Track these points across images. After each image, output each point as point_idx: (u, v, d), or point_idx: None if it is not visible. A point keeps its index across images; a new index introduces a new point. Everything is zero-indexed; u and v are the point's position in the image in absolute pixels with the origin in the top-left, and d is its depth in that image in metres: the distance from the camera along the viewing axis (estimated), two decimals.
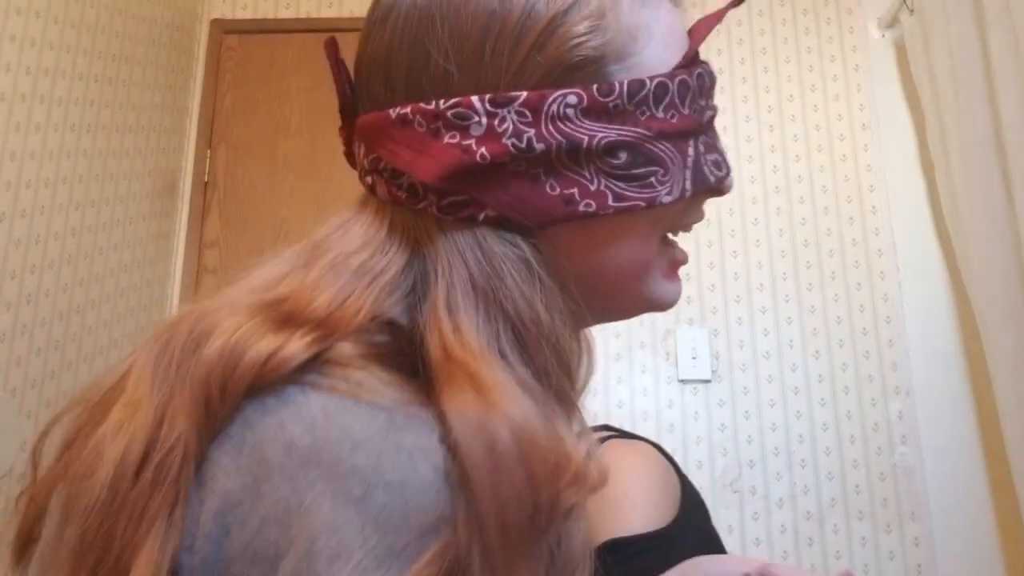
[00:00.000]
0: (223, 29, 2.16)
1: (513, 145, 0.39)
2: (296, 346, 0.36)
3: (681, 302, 2.01)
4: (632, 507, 0.79)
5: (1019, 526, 1.67)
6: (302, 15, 2.17)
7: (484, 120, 0.39)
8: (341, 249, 0.41)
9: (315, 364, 0.36)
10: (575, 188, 0.40)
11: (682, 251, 0.47)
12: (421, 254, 0.40)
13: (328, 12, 2.18)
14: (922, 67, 1.86)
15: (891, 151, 2.00)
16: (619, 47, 0.41)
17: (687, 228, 0.46)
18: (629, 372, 1.87)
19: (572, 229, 0.41)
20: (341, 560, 0.31)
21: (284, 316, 0.37)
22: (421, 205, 0.40)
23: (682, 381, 1.88)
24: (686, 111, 0.42)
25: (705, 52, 2.11)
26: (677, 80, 0.41)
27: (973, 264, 1.66)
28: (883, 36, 2.08)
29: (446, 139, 0.39)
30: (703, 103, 0.43)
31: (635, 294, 0.45)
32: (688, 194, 0.42)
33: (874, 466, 1.80)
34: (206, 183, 2.04)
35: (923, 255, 1.93)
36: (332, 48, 0.44)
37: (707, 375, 1.87)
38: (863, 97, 2.05)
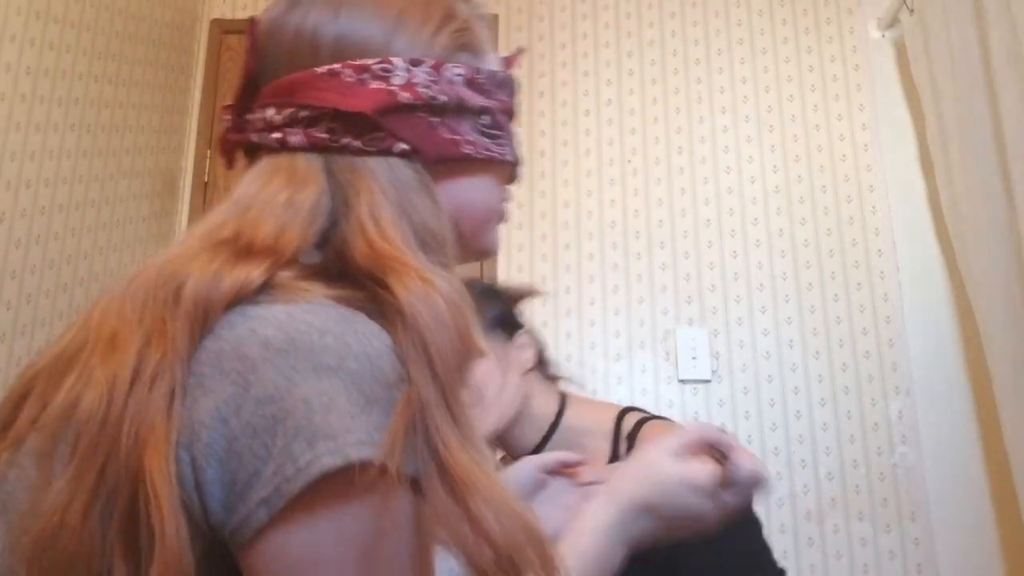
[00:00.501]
0: (223, 29, 2.16)
1: (424, 93, 0.52)
2: (257, 272, 0.45)
3: (681, 302, 2.02)
4: None
5: (1019, 526, 1.67)
6: None
7: (404, 74, 0.52)
8: (268, 192, 0.50)
9: (264, 288, 0.45)
10: (460, 136, 0.54)
11: (505, 212, 0.62)
12: (338, 182, 0.50)
13: None
14: (922, 67, 1.86)
15: (891, 151, 2.00)
16: (479, 47, 0.57)
17: (506, 196, 0.61)
18: (629, 372, 1.87)
19: (453, 168, 0.54)
20: (333, 411, 0.39)
21: (241, 250, 0.46)
22: (343, 141, 0.51)
23: (682, 381, 1.88)
24: (512, 100, 0.59)
25: (705, 52, 2.11)
26: (511, 77, 0.58)
27: (973, 264, 1.66)
28: (883, 36, 2.08)
29: (373, 85, 0.51)
30: (514, 100, 0.60)
31: (482, 236, 0.59)
32: (517, 160, 0.59)
33: (874, 466, 1.80)
34: (206, 183, 2.05)
35: (923, 255, 1.93)
36: (252, 28, 0.55)
37: (707, 375, 1.87)
38: (863, 97, 2.05)
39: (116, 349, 0.43)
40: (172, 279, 0.44)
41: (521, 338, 1.00)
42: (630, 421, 0.95)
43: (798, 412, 1.85)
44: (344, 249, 0.47)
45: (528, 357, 1.00)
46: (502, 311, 1.01)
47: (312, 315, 0.43)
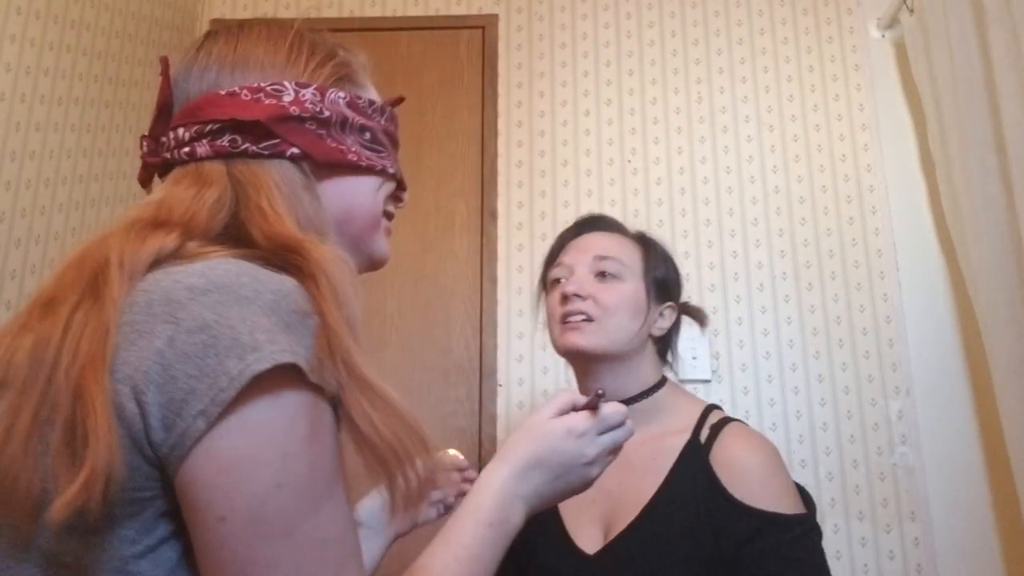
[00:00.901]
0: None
1: (311, 108, 0.63)
2: (171, 238, 0.54)
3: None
4: (788, 491, 0.93)
5: (1019, 526, 1.67)
6: (302, 15, 2.17)
7: (292, 94, 0.63)
8: (178, 191, 0.59)
9: (178, 256, 0.53)
10: (344, 146, 0.65)
11: (390, 228, 0.72)
12: (238, 180, 0.60)
13: (328, 12, 2.18)
14: (922, 67, 1.86)
15: (891, 151, 2.00)
16: (359, 81, 0.69)
17: (389, 209, 0.71)
18: None
19: (340, 173, 0.65)
20: (258, 331, 0.47)
21: (158, 224, 0.56)
22: (242, 147, 0.60)
23: (682, 381, 1.87)
24: (392, 127, 0.71)
25: (705, 52, 2.11)
26: (388, 108, 0.70)
27: (973, 264, 1.66)
28: (883, 36, 2.08)
29: (267, 102, 0.62)
30: (396, 130, 0.72)
31: (370, 241, 0.68)
32: (398, 174, 0.70)
33: (874, 466, 1.80)
34: None
35: (923, 255, 1.93)
36: (165, 65, 0.65)
37: (707, 375, 1.87)
38: (863, 97, 2.04)
39: (53, 306, 0.51)
40: (102, 249, 0.53)
41: (667, 309, 1.09)
42: (713, 418, 1.02)
43: (798, 412, 1.85)
44: (244, 231, 0.57)
45: (661, 326, 1.08)
46: (672, 278, 1.11)
47: (228, 264, 0.51)
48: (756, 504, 0.89)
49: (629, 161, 2.03)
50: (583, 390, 1.07)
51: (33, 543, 0.47)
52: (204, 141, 0.61)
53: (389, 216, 0.72)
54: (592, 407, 0.72)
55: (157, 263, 0.52)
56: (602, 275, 1.04)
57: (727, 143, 2.04)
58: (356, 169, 0.65)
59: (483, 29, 2.14)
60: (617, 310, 1.02)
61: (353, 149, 0.65)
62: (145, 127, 0.67)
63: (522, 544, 0.94)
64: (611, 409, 0.72)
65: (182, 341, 0.46)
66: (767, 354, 1.89)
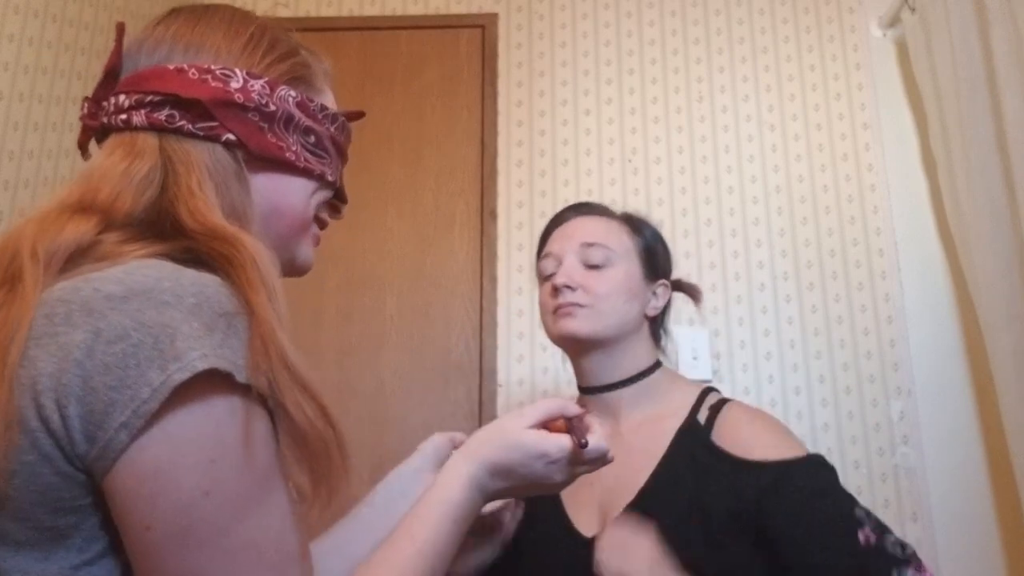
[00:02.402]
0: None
1: (256, 99, 0.62)
2: (89, 226, 0.54)
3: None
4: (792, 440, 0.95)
5: (1021, 526, 1.67)
6: (300, 15, 2.16)
7: (240, 82, 0.62)
8: (109, 163, 0.59)
9: (95, 254, 0.53)
10: (284, 143, 0.64)
11: (318, 236, 0.71)
12: (169, 158, 0.59)
13: (327, 11, 2.17)
14: (924, 66, 1.86)
15: (893, 150, 1.99)
16: (316, 85, 0.69)
17: (323, 217, 0.71)
18: None
19: (274, 168, 0.64)
20: (179, 338, 0.46)
21: (81, 207, 0.56)
22: (178, 124, 0.60)
23: None
24: (341, 137, 0.70)
25: (706, 51, 2.11)
26: (341, 118, 0.70)
27: (975, 263, 1.65)
28: (884, 35, 2.07)
29: (212, 84, 0.61)
30: (346, 143, 0.72)
31: (294, 244, 0.67)
32: (339, 183, 0.70)
33: (876, 467, 1.79)
34: None
35: (925, 255, 1.92)
36: (120, 31, 0.66)
37: (708, 375, 1.86)
38: (864, 96, 2.04)
39: None
40: (27, 236, 0.53)
41: (660, 288, 1.07)
42: (711, 400, 1.01)
43: (799, 413, 1.84)
44: (169, 213, 0.57)
45: (656, 305, 1.06)
46: (661, 255, 1.09)
47: (147, 268, 0.50)
48: (769, 459, 0.89)
49: (630, 161, 2.03)
50: (579, 374, 1.07)
51: None
52: (142, 111, 0.60)
53: (322, 224, 0.71)
54: (573, 431, 0.70)
55: (74, 257, 0.52)
56: (591, 265, 1.02)
57: (728, 142, 2.03)
58: (292, 168, 0.65)
59: (483, 28, 2.14)
60: (610, 296, 1.00)
61: (293, 148, 0.64)
62: None
63: (521, 524, 0.93)
64: (593, 445, 0.70)
65: (101, 352, 0.45)
66: (768, 354, 1.88)
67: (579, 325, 0.99)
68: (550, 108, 2.08)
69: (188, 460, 0.46)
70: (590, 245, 1.03)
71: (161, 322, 0.46)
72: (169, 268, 0.50)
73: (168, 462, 0.45)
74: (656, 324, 1.08)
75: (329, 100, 0.70)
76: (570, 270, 1.02)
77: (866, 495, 1.78)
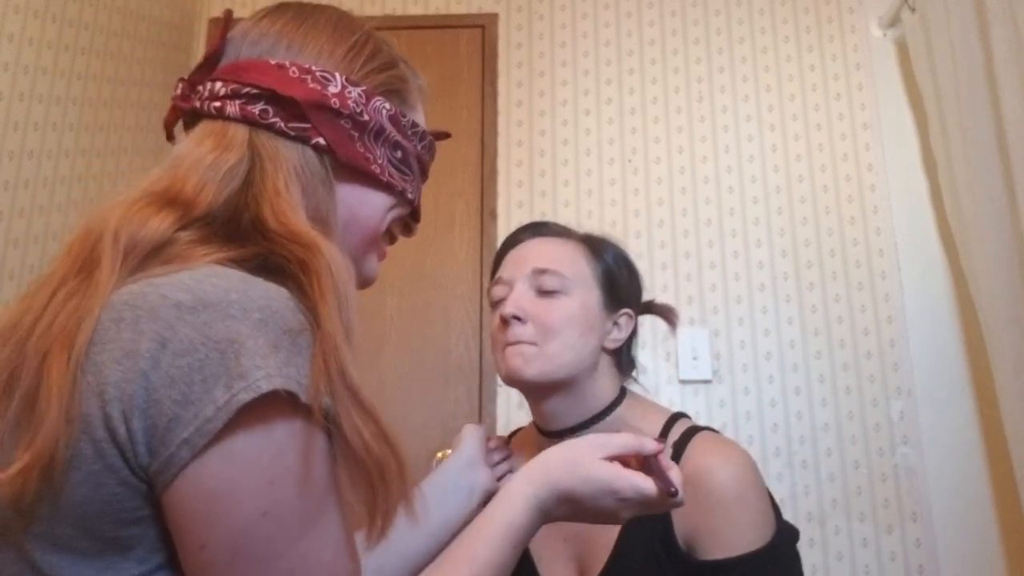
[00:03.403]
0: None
1: (352, 107, 0.62)
2: (168, 223, 0.53)
3: (682, 302, 2.01)
4: (749, 522, 0.85)
5: (1021, 526, 1.67)
6: None
7: (339, 87, 0.61)
8: (199, 152, 0.58)
9: (167, 255, 0.52)
10: (372, 155, 0.63)
11: (385, 251, 0.72)
12: (258, 153, 0.58)
13: None
14: (924, 66, 1.85)
15: (893, 150, 1.99)
16: (411, 101, 0.69)
17: (395, 233, 0.71)
18: None
19: (357, 179, 0.63)
20: (244, 355, 0.45)
21: (168, 200, 0.55)
22: (270, 120, 0.59)
23: (683, 381, 1.87)
24: (427, 156, 0.71)
25: (706, 51, 2.11)
26: (430, 137, 0.70)
27: (975, 263, 1.65)
28: (884, 35, 2.07)
29: (311, 85, 0.60)
30: (430, 162, 0.72)
31: (361, 258, 0.67)
32: (416, 202, 0.69)
33: (875, 467, 1.79)
34: None
35: (925, 255, 1.92)
36: (227, 17, 0.64)
37: (708, 375, 1.86)
38: (864, 96, 2.04)
39: (50, 279, 0.52)
40: (111, 223, 0.52)
41: (622, 318, 0.98)
42: (679, 429, 0.93)
43: (799, 413, 1.84)
44: (252, 208, 0.56)
45: (616, 338, 0.98)
46: (624, 282, 0.99)
47: (216, 278, 0.49)
48: (716, 547, 0.83)
49: (630, 160, 2.03)
50: (535, 416, 0.99)
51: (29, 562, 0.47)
52: (236, 102, 0.60)
53: (391, 239, 0.71)
54: (652, 472, 0.66)
55: (152, 254, 0.52)
56: (544, 291, 0.93)
57: (728, 142, 2.03)
58: (375, 182, 0.64)
59: (483, 28, 2.14)
60: (562, 330, 0.90)
61: (379, 161, 0.64)
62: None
63: None
64: (674, 497, 0.64)
65: (167, 364, 0.45)
66: (768, 354, 1.88)
67: (527, 367, 0.90)
68: (550, 108, 2.08)
69: (248, 481, 0.45)
70: (543, 272, 0.93)
71: (228, 337, 0.45)
72: (237, 278, 0.49)
73: (228, 482, 0.45)
74: (619, 355, 1.00)
75: (420, 117, 0.70)
76: (519, 299, 0.93)
77: (866, 495, 1.78)
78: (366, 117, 0.62)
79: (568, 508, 0.66)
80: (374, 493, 0.51)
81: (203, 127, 0.61)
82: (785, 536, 0.88)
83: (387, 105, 0.64)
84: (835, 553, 1.75)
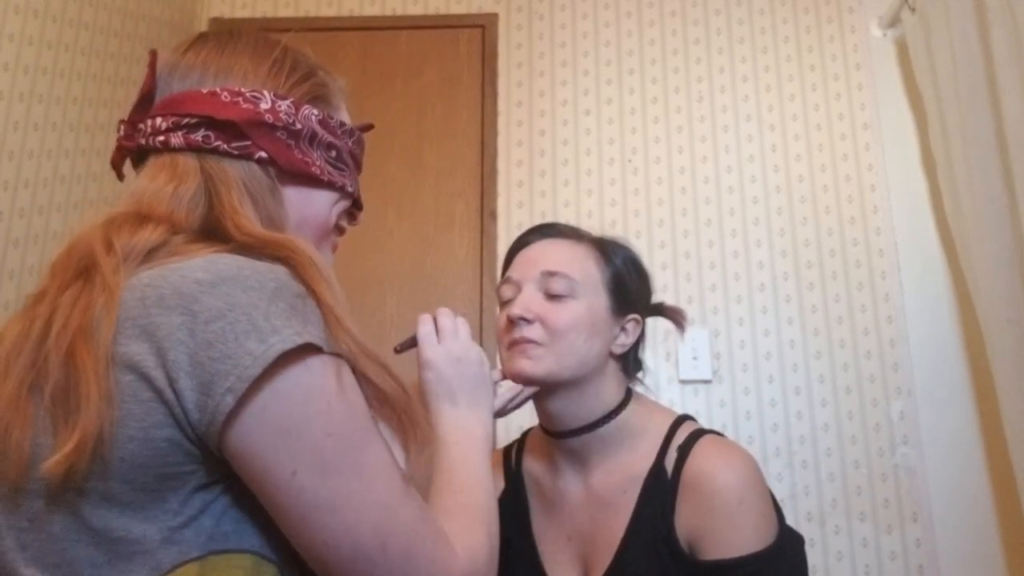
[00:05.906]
0: (222, 28, 2.15)
1: (284, 119, 0.67)
2: (157, 232, 0.59)
3: (682, 302, 2.01)
4: (753, 524, 0.87)
5: (1021, 527, 1.67)
6: (301, 14, 2.16)
7: (269, 103, 0.67)
8: (156, 185, 0.63)
9: (167, 251, 0.58)
10: (310, 159, 0.69)
11: (336, 244, 0.78)
12: (211, 177, 0.64)
13: (327, 11, 2.17)
14: (924, 66, 1.85)
15: (893, 150, 1.99)
16: (334, 103, 0.74)
17: (342, 224, 0.76)
18: None
19: (301, 182, 0.69)
20: (272, 316, 0.52)
21: (141, 217, 0.60)
22: (213, 144, 0.64)
23: (683, 381, 1.87)
24: (358, 150, 0.75)
25: (706, 51, 2.10)
26: (357, 132, 0.75)
27: (975, 263, 1.65)
28: (884, 35, 2.07)
29: (244, 106, 0.65)
30: (361, 154, 0.77)
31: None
32: (356, 193, 0.75)
33: (875, 467, 1.79)
34: None
35: (925, 255, 1.92)
36: (153, 58, 0.69)
37: (708, 375, 1.86)
38: (864, 96, 2.04)
39: (44, 294, 0.57)
40: (98, 236, 0.58)
41: (630, 323, 0.98)
42: (684, 431, 0.94)
43: (799, 413, 1.84)
44: (218, 227, 0.62)
45: (623, 343, 0.98)
46: (634, 288, 1.00)
47: (226, 259, 0.55)
48: (717, 548, 0.85)
49: (630, 160, 2.03)
50: (540, 417, 1.00)
51: (69, 510, 0.52)
52: (179, 133, 0.64)
53: (340, 231, 0.76)
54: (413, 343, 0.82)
55: (151, 254, 0.57)
56: (552, 295, 0.94)
57: (728, 142, 2.03)
58: (317, 182, 0.70)
59: (483, 28, 2.13)
60: (568, 332, 0.91)
61: (317, 163, 0.69)
62: None
63: None
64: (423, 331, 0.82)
65: (201, 331, 0.51)
66: (768, 354, 1.88)
67: (532, 366, 0.91)
68: (550, 108, 2.08)
69: (309, 409, 0.53)
70: (552, 274, 0.94)
71: (250, 303, 0.52)
72: (244, 259, 0.56)
73: (293, 414, 0.52)
74: (626, 359, 1.00)
75: (345, 116, 0.75)
76: (528, 300, 0.93)
77: (866, 495, 1.78)
78: (299, 126, 0.68)
79: (443, 373, 0.79)
80: (405, 423, 0.60)
81: (153, 163, 0.66)
82: (788, 540, 0.89)
83: (315, 111, 0.69)
84: (835, 553, 1.75)
